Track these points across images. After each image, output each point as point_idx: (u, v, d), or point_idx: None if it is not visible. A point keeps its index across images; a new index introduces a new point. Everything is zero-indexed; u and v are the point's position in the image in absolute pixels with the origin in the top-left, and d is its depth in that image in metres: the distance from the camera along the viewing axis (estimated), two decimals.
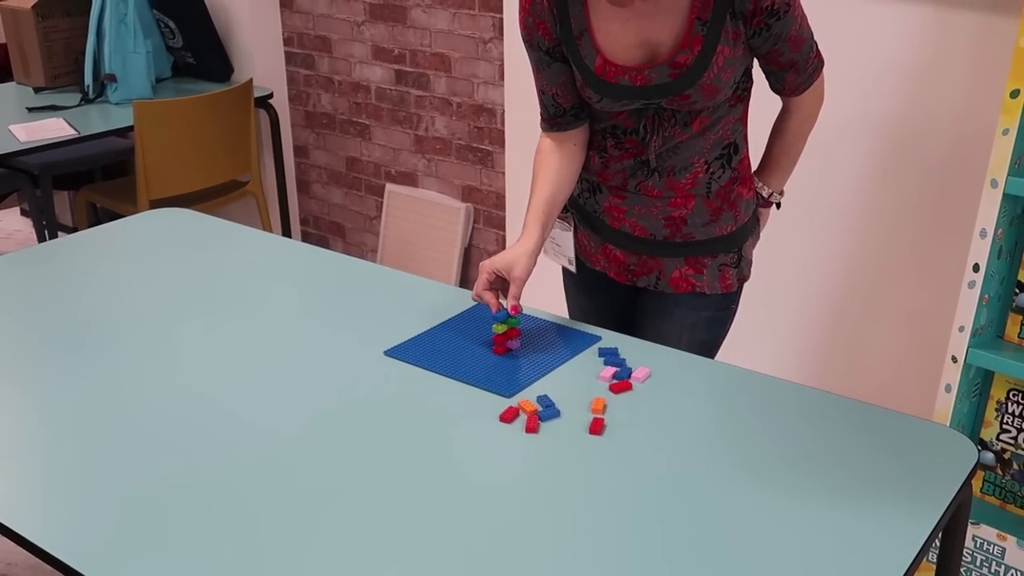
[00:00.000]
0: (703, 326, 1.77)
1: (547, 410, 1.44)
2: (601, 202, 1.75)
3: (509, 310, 1.59)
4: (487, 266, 1.62)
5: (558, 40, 1.62)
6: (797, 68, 1.62)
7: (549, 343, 1.64)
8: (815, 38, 1.62)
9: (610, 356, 1.59)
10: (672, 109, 1.60)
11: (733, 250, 1.75)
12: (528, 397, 1.48)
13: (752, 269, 1.81)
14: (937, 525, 1.23)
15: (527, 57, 1.70)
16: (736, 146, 1.69)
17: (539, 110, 1.73)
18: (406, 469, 1.32)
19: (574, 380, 1.54)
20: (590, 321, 1.77)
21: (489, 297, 1.61)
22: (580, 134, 1.71)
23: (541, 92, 1.71)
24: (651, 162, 1.65)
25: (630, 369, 1.55)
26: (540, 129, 1.74)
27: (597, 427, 1.40)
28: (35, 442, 1.41)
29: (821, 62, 1.65)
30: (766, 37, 1.55)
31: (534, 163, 1.74)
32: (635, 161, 1.67)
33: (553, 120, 1.71)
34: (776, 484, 1.29)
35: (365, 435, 1.40)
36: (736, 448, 1.37)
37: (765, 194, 1.79)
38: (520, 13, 1.65)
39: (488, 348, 1.61)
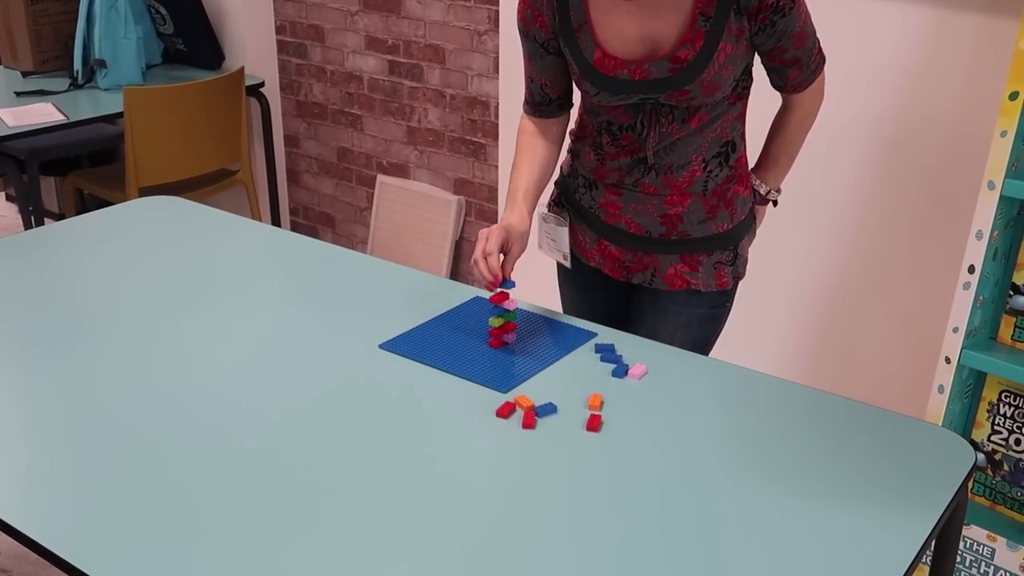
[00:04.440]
0: (697, 323, 1.77)
1: (544, 406, 1.43)
2: (597, 198, 1.74)
3: (505, 275, 1.58)
4: (491, 237, 1.57)
5: (555, 33, 1.62)
6: (800, 65, 1.61)
7: (545, 338, 1.63)
8: (817, 35, 1.61)
9: (607, 352, 1.58)
10: (670, 105, 1.59)
11: (729, 248, 1.74)
12: (525, 392, 1.47)
13: (748, 267, 1.80)
14: (935, 527, 1.22)
15: (519, 43, 1.70)
16: (734, 144, 1.68)
17: (524, 94, 1.76)
18: (401, 464, 1.31)
19: (571, 376, 1.53)
20: (584, 317, 1.76)
21: (483, 267, 1.56)
22: (563, 121, 1.77)
23: (530, 79, 1.73)
24: (648, 159, 1.64)
25: (627, 366, 1.54)
26: (523, 110, 1.78)
27: (594, 424, 1.39)
28: (19, 430, 1.39)
29: (823, 59, 1.65)
30: (770, 34, 1.54)
31: (518, 143, 1.77)
32: (632, 159, 1.66)
33: (537, 107, 1.74)
34: (773, 483, 1.28)
35: (360, 429, 1.39)
36: (733, 447, 1.36)
37: (763, 192, 1.78)
38: (519, 3, 1.65)
39: (484, 342, 1.60)
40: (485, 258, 1.56)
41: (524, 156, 1.75)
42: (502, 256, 1.60)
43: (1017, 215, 2.00)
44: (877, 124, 2.40)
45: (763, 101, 1.71)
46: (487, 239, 1.57)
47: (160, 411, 1.42)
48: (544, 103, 1.73)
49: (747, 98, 1.67)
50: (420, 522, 1.20)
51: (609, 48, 1.58)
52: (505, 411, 1.42)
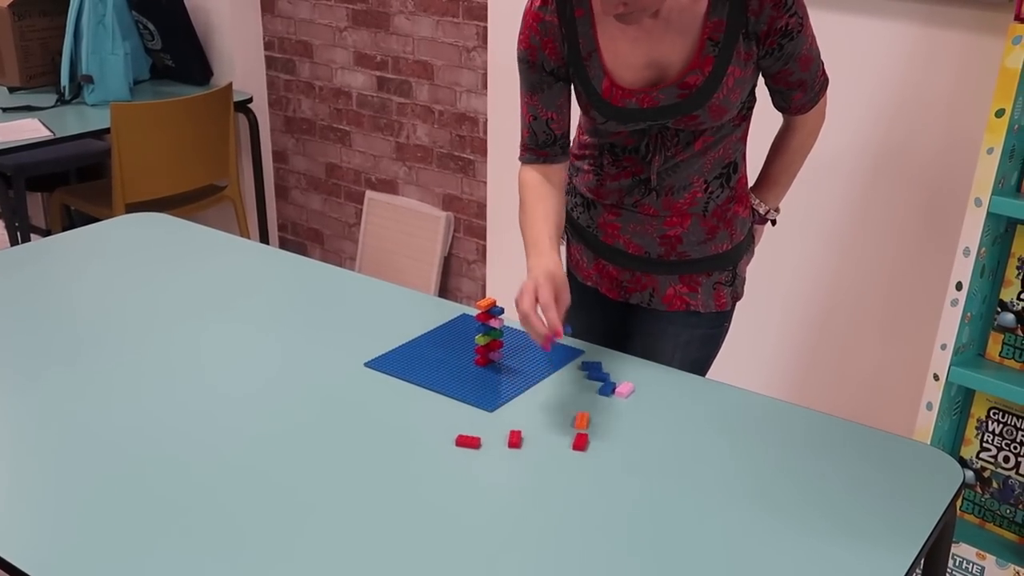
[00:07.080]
0: (696, 344, 1.75)
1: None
2: (595, 218, 1.72)
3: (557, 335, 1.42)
4: (542, 288, 1.44)
5: (565, 61, 1.58)
6: (805, 87, 1.61)
7: (532, 356, 1.62)
8: (821, 57, 1.61)
9: (593, 370, 1.57)
10: (676, 129, 1.58)
11: (728, 268, 1.73)
12: (511, 410, 1.46)
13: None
14: (923, 546, 1.22)
15: (518, 81, 1.64)
16: (735, 164, 1.67)
17: (521, 141, 1.66)
18: (386, 483, 1.30)
19: (558, 394, 1.52)
20: (580, 336, 1.74)
21: (537, 323, 1.42)
22: (565, 167, 1.67)
23: (532, 118, 1.64)
24: (652, 181, 1.63)
25: (614, 384, 1.53)
26: (520, 162, 1.67)
27: (581, 443, 1.38)
28: (2, 451, 1.37)
29: (826, 80, 1.64)
30: (778, 57, 1.54)
31: (523, 196, 1.64)
32: (633, 180, 1.65)
33: (541, 151, 1.64)
34: (759, 502, 1.27)
35: (346, 448, 1.38)
36: (719, 465, 1.35)
37: (762, 211, 1.76)
38: (524, 32, 1.59)
39: (470, 360, 1.59)
40: (536, 311, 1.42)
41: (537, 204, 1.61)
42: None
43: (1004, 232, 2.00)
44: (864, 142, 2.41)
45: (763, 120, 1.70)
46: (536, 291, 1.43)
47: (145, 430, 1.41)
48: (549, 144, 1.63)
49: (750, 119, 1.66)
50: (405, 541, 1.19)
51: (617, 77, 1.56)
52: (472, 443, 1.38)
